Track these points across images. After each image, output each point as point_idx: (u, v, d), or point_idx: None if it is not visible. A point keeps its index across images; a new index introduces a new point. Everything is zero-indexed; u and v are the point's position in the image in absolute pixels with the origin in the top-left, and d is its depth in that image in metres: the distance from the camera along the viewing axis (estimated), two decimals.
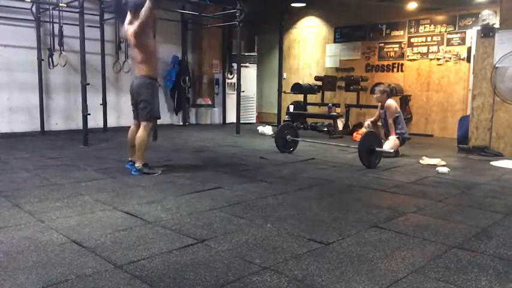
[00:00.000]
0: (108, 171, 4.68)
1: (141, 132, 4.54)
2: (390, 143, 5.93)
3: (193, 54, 11.08)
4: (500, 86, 6.19)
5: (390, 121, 6.09)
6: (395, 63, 9.28)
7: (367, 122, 6.39)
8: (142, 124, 4.57)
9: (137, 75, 4.61)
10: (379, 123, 6.35)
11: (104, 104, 8.69)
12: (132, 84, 4.64)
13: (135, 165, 4.56)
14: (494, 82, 6.23)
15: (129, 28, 4.48)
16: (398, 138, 6.06)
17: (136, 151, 4.57)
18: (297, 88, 9.62)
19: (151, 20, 4.51)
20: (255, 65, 11.23)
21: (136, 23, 4.38)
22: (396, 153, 6.01)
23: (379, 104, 6.30)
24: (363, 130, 6.54)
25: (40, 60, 7.93)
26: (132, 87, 4.62)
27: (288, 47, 11.12)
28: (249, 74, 10.94)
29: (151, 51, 4.58)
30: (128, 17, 4.54)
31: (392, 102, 6.18)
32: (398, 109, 6.33)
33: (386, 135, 6.13)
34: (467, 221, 3.11)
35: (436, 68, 8.71)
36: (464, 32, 8.30)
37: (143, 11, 4.33)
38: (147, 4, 4.32)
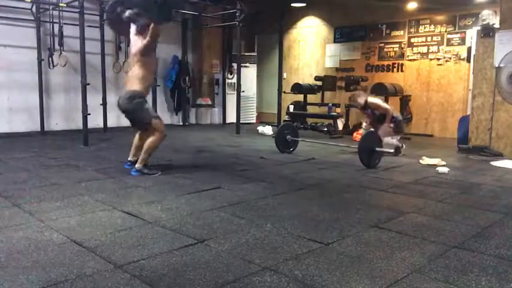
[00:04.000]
0: (108, 171, 4.68)
1: (154, 136, 4.51)
2: (384, 135, 5.96)
3: (193, 54, 11.07)
4: (502, 86, 6.20)
5: (383, 105, 6.25)
6: (395, 63, 9.28)
7: (365, 124, 6.49)
8: (155, 129, 4.52)
9: (127, 89, 4.51)
10: (367, 122, 6.49)
11: (104, 104, 8.68)
12: (119, 100, 4.54)
13: (136, 165, 4.56)
14: (495, 82, 6.23)
15: (135, 44, 4.47)
16: (390, 126, 6.19)
17: (142, 152, 4.55)
18: (297, 88, 9.63)
19: (155, 40, 4.53)
20: (255, 65, 11.22)
21: (142, 42, 4.36)
22: (397, 153, 6.02)
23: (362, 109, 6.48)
24: (361, 132, 6.61)
25: (40, 60, 7.92)
26: (119, 102, 4.51)
27: (288, 47, 11.11)
28: (249, 74, 10.93)
29: (150, 71, 4.56)
30: (133, 30, 4.52)
31: (371, 98, 6.36)
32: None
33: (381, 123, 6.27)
34: (467, 221, 3.11)
35: (436, 68, 8.71)
36: (464, 32, 8.30)
37: (151, 33, 4.31)
38: (155, 28, 4.31)
